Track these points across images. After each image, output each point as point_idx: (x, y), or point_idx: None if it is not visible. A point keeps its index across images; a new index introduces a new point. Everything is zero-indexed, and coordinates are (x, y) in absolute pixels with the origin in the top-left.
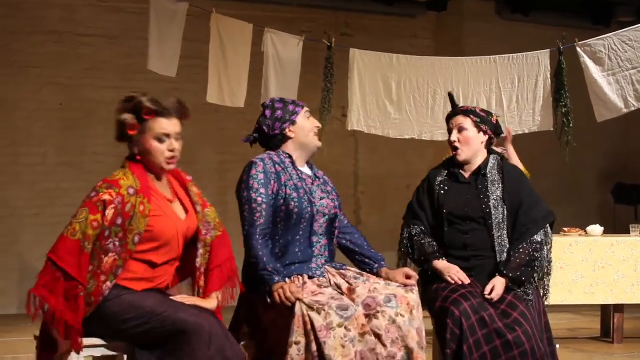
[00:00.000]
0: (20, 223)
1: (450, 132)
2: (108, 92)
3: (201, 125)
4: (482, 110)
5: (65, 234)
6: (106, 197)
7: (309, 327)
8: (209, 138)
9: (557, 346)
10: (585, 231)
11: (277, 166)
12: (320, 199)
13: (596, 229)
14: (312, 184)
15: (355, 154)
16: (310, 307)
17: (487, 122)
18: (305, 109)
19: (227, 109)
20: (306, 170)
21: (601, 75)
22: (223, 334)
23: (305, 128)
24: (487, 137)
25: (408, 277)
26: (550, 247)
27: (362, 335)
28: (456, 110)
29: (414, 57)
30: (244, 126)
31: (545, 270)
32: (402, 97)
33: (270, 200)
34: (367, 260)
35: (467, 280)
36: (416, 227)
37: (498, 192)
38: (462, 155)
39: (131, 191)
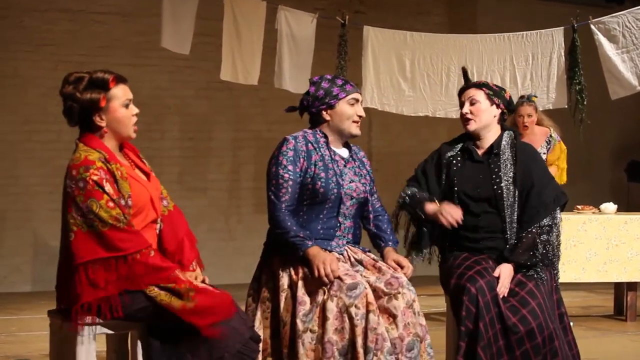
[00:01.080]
0: (35, 200)
1: (462, 105)
2: (122, 70)
3: (215, 102)
4: (495, 85)
5: (98, 230)
6: (93, 177)
7: (324, 317)
8: (223, 115)
9: (572, 324)
10: (599, 209)
11: (309, 145)
12: (350, 182)
13: (610, 206)
14: (345, 166)
15: (369, 131)
16: (329, 296)
17: (499, 96)
18: (352, 95)
19: (240, 87)
20: (342, 151)
21: (615, 53)
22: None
23: (343, 114)
24: (499, 110)
25: (398, 264)
26: (559, 231)
27: (367, 313)
28: (469, 84)
29: (428, 34)
30: (258, 103)
31: (554, 253)
32: (416, 74)
33: (297, 178)
34: (379, 242)
35: (459, 217)
36: (412, 187)
37: (510, 172)
38: (473, 125)
39: (103, 160)
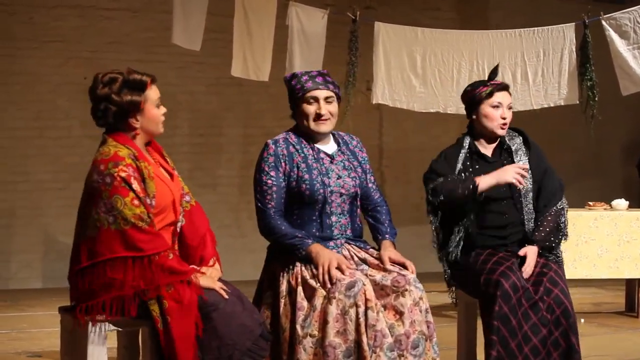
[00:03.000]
0: (45, 197)
1: (499, 105)
2: (131, 66)
3: (225, 98)
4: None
5: (119, 227)
6: (122, 173)
7: (324, 320)
8: (233, 112)
9: (582, 321)
10: (610, 205)
11: (291, 147)
12: (338, 178)
13: (621, 202)
14: (331, 162)
15: (380, 127)
16: (328, 299)
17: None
18: (310, 94)
19: (251, 83)
20: (327, 147)
21: (626, 49)
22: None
23: (302, 115)
24: None
25: (393, 261)
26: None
27: (365, 310)
28: (504, 84)
29: (439, 30)
30: (268, 100)
31: (563, 235)
32: (427, 70)
33: (280, 183)
34: (376, 234)
35: (527, 166)
36: (440, 178)
37: (524, 160)
38: (504, 132)
39: (133, 157)
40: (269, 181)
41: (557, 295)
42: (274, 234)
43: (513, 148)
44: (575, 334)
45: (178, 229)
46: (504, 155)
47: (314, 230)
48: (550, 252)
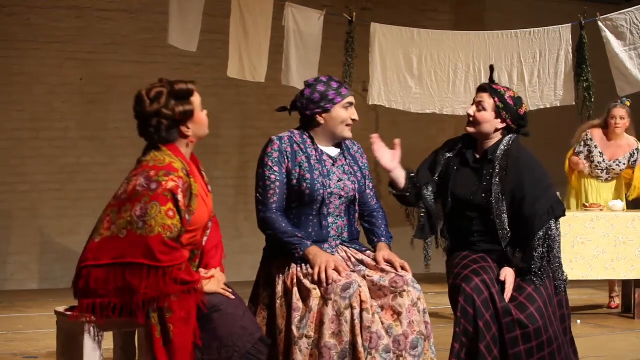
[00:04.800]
0: (41, 198)
1: (474, 102)
2: (128, 67)
3: (222, 100)
4: (513, 98)
5: (145, 233)
6: (170, 184)
7: (320, 321)
8: (230, 113)
9: (578, 322)
10: (607, 206)
11: (295, 145)
12: (338, 181)
13: (617, 204)
14: (333, 165)
15: (376, 128)
16: (324, 300)
17: (510, 111)
18: (347, 100)
19: (247, 84)
20: (330, 150)
21: (622, 50)
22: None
23: (337, 119)
24: (504, 125)
25: (390, 262)
26: (558, 241)
27: (360, 312)
28: (485, 86)
29: (435, 31)
30: (265, 101)
31: (554, 263)
32: (423, 71)
33: (283, 179)
34: (372, 237)
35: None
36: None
37: (500, 185)
38: (471, 129)
39: (185, 172)
40: (272, 176)
41: (520, 320)
42: (274, 229)
43: (497, 166)
44: (533, 356)
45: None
46: (485, 166)
47: (310, 230)
48: (527, 275)
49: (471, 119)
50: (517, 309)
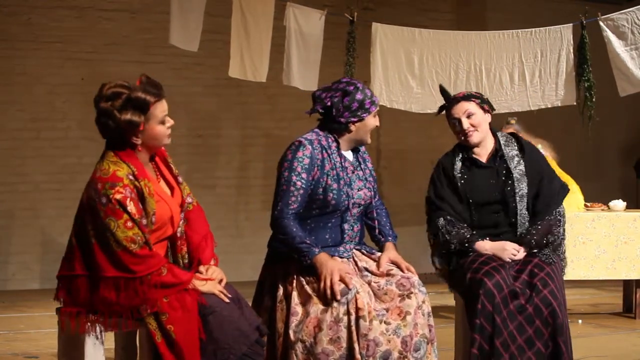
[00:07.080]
0: (42, 197)
1: (455, 121)
2: (129, 67)
3: (223, 99)
4: (476, 92)
5: (113, 248)
6: (117, 196)
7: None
8: (231, 112)
9: (580, 321)
10: (608, 206)
11: (324, 152)
12: (359, 190)
13: (619, 203)
14: (353, 172)
15: (377, 128)
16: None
17: (485, 101)
18: (377, 108)
19: (248, 84)
20: (349, 155)
21: (624, 50)
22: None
23: (368, 126)
24: (489, 115)
25: (397, 265)
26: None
27: (357, 319)
28: (452, 99)
29: (437, 31)
30: (266, 101)
31: (562, 245)
32: (425, 71)
33: (309, 187)
34: (379, 236)
35: (522, 249)
36: (441, 218)
37: (520, 166)
38: (477, 137)
39: (131, 177)
40: (299, 183)
41: (545, 296)
42: (285, 233)
43: (511, 154)
44: (562, 335)
45: (177, 240)
46: (498, 162)
47: (326, 237)
48: (541, 249)
49: (471, 129)
50: (540, 283)
